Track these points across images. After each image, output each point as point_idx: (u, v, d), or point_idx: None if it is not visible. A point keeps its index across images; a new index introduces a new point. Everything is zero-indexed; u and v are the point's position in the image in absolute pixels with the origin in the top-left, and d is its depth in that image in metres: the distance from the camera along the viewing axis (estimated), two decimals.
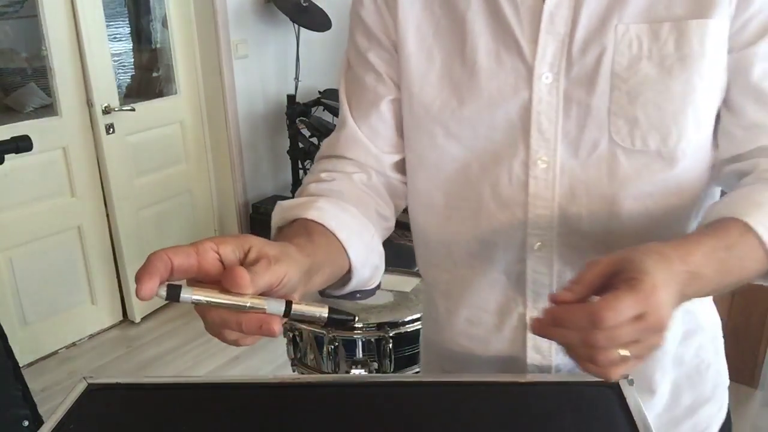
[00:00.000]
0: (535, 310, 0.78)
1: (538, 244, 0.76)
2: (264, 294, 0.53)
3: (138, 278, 0.50)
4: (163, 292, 0.49)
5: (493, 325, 0.81)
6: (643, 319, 0.52)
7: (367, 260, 0.75)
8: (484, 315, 0.82)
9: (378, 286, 0.83)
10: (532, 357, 0.80)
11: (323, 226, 0.71)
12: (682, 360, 0.84)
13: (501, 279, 0.79)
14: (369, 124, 0.81)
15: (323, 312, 0.54)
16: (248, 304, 0.51)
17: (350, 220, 0.74)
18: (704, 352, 0.86)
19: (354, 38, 0.82)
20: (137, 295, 0.50)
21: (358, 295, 0.89)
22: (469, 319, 0.83)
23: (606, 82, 0.70)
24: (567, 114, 0.72)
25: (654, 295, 0.52)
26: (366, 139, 0.81)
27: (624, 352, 0.53)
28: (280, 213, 0.74)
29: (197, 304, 0.51)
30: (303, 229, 0.69)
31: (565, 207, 0.74)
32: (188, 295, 0.50)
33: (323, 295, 0.76)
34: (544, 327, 0.56)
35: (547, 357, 0.79)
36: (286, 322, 0.54)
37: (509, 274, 0.79)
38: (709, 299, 0.86)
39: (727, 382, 0.91)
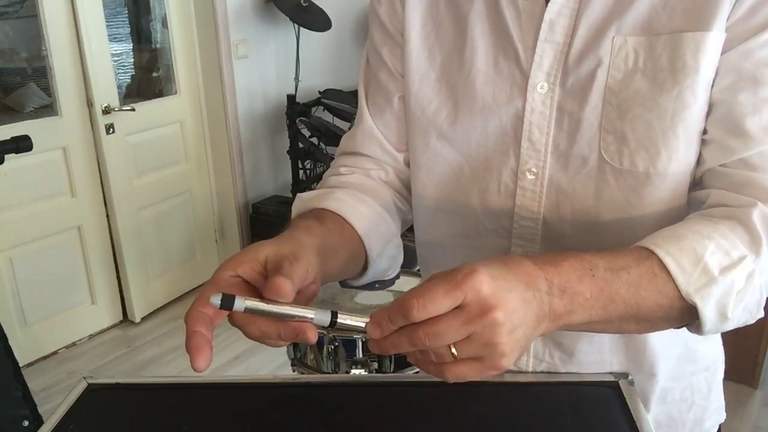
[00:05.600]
0: None
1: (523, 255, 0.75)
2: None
3: (190, 354, 0.50)
4: (217, 301, 0.50)
5: None
6: (464, 309, 0.48)
7: (383, 251, 0.76)
8: None
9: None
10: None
11: (338, 215, 0.72)
12: (665, 398, 0.81)
13: None
14: (384, 120, 0.82)
15: (366, 320, 0.54)
16: (297, 314, 0.52)
17: (366, 210, 0.75)
18: (693, 391, 0.83)
19: (371, 33, 0.82)
20: (194, 369, 0.51)
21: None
22: None
23: (599, 95, 0.67)
24: (559, 126, 0.70)
25: (470, 279, 0.48)
26: (381, 136, 0.82)
27: (454, 351, 0.49)
28: (300, 204, 0.76)
29: (248, 312, 0.52)
30: (314, 216, 0.71)
31: (550, 221, 0.73)
32: (241, 303, 0.51)
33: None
34: (376, 342, 0.52)
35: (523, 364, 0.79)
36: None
37: None
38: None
39: (718, 417, 0.87)
